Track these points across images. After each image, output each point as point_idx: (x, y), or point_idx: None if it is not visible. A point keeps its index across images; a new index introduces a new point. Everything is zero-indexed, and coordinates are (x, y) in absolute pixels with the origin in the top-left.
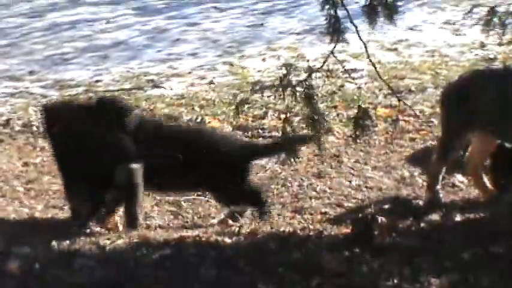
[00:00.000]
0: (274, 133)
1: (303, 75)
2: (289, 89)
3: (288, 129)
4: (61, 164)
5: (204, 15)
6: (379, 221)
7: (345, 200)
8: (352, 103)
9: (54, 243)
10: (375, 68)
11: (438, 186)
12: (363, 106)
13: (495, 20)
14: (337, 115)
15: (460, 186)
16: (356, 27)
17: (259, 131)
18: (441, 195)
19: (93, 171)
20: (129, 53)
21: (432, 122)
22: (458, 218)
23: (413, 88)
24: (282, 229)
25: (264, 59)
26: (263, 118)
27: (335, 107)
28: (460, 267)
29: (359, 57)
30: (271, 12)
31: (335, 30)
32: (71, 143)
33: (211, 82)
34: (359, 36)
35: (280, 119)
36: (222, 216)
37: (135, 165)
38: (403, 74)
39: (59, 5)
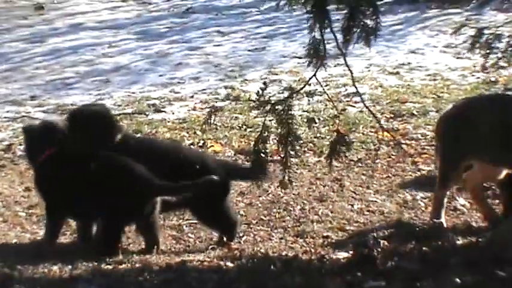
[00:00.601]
0: (276, 157)
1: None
2: (268, 106)
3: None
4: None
5: (206, 39)
6: (381, 244)
7: (347, 223)
8: (354, 127)
9: (55, 268)
10: (360, 95)
11: (443, 211)
12: (342, 130)
13: (481, 41)
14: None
15: (462, 209)
16: (342, 51)
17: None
18: (444, 219)
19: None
20: (131, 77)
21: (434, 145)
22: (460, 241)
23: (415, 112)
24: (284, 253)
25: (265, 83)
26: (265, 142)
27: (336, 131)
28: None
29: (361, 81)
30: (274, 36)
31: (316, 53)
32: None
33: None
34: (345, 61)
35: (281, 143)
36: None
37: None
38: (405, 98)
39: (60, 30)
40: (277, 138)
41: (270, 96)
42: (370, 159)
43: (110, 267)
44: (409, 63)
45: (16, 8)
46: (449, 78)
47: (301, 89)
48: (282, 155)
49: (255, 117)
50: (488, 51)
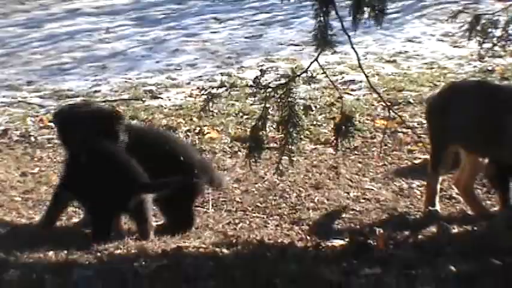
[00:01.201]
0: (272, 144)
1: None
2: (268, 90)
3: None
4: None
5: (203, 26)
6: (377, 232)
7: (343, 211)
8: (350, 114)
9: (51, 253)
10: (368, 79)
11: (436, 198)
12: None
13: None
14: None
15: (458, 198)
16: (349, 36)
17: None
18: (438, 207)
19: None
20: (127, 63)
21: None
22: (455, 230)
23: (411, 100)
24: (279, 240)
25: (262, 70)
26: (262, 129)
27: (333, 118)
28: (456, 279)
29: (358, 69)
30: (270, 24)
31: (323, 38)
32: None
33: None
34: (352, 46)
35: (278, 130)
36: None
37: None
38: (401, 86)
39: (57, 15)
40: (274, 126)
41: (267, 84)
42: (366, 147)
43: (105, 252)
44: (406, 51)
45: None
46: (446, 66)
47: (302, 73)
48: (282, 140)
49: (251, 105)
50: (484, 37)
